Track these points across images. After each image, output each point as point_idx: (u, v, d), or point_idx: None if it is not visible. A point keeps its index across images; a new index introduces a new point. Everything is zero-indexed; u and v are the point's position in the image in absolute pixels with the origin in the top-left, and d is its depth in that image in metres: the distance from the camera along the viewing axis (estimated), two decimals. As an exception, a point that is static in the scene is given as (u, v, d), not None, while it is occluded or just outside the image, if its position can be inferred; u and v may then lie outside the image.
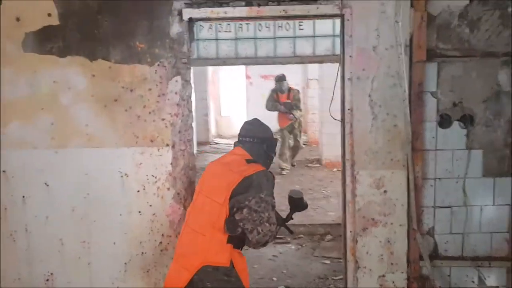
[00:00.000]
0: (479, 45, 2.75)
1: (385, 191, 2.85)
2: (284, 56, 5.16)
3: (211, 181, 2.47)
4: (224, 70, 13.13)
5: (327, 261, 4.80)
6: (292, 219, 2.63)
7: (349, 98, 2.82)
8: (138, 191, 2.94)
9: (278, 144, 6.51)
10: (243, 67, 12.83)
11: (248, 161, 2.46)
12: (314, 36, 5.14)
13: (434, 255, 2.93)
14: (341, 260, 4.79)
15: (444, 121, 2.82)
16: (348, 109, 2.83)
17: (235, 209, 2.32)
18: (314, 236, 5.34)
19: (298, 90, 8.82)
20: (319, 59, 5.27)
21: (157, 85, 2.83)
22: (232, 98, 13.34)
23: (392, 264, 2.90)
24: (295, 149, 9.00)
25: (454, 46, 2.77)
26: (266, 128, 2.62)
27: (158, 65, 2.81)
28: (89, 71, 2.81)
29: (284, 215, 2.60)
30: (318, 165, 9.05)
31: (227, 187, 2.33)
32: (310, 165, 9.10)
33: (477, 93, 2.80)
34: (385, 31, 2.72)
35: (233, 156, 2.52)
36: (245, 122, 2.64)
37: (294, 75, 12.83)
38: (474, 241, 2.92)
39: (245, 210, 2.30)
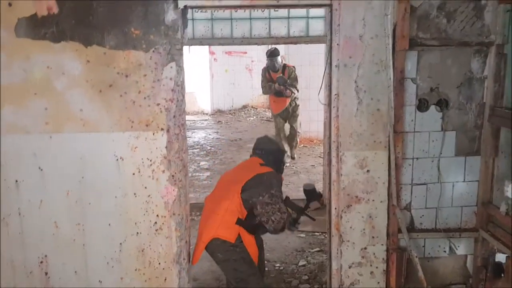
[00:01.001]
0: (455, 35, 2.97)
1: (368, 171, 3.07)
2: (259, 37, 5.29)
3: (230, 176, 3.28)
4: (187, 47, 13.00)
5: (303, 235, 5.06)
6: (310, 207, 3.39)
7: (336, 84, 2.99)
8: (133, 174, 3.02)
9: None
10: (206, 43, 12.75)
11: (261, 164, 3.19)
12: (288, 18, 5.27)
13: (411, 228, 3.20)
14: (316, 233, 5.10)
15: (422, 105, 3.05)
16: (335, 94, 3.00)
17: (250, 201, 3.05)
18: (288, 211, 5.55)
19: (294, 67, 7.56)
20: (294, 40, 5.44)
21: (152, 71, 2.90)
22: (196, 74, 13.28)
23: (373, 237, 3.15)
24: (291, 138, 7.91)
25: (432, 35, 2.97)
26: (273, 142, 3.38)
27: (153, 51, 2.87)
28: (84, 56, 2.84)
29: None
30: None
31: (241, 179, 3.06)
32: (276, 141, 9.31)
33: (452, 79, 3.04)
34: (371, 20, 2.89)
35: (247, 162, 3.35)
36: (257, 138, 3.43)
37: (257, 51, 12.94)
38: (446, 214, 3.21)
39: (259, 206, 3.03)
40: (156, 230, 3.09)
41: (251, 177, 3.08)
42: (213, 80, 13.21)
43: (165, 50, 2.87)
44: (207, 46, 12.92)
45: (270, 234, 3.20)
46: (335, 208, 3.12)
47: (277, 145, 3.40)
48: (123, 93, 2.91)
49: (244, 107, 13.46)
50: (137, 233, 3.09)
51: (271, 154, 3.29)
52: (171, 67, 2.90)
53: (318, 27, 5.37)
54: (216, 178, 6.94)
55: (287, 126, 7.84)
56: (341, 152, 3.05)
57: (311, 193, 3.34)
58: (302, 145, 8.89)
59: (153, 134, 2.98)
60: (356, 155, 3.05)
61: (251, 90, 13.42)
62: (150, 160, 3.01)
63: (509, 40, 2.89)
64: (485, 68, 3.01)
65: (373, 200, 3.10)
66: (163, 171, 3.03)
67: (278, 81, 7.26)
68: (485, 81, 3.02)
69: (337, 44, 2.95)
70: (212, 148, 9.12)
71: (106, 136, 2.96)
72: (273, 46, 6.89)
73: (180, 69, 2.94)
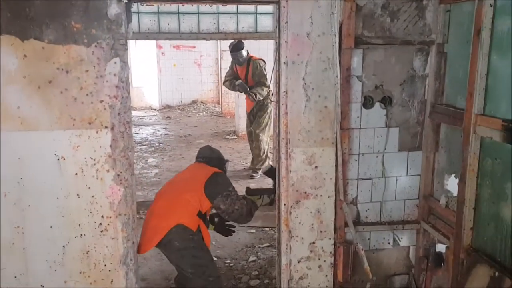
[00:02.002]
0: (398, 34, 3.05)
1: (316, 167, 3.10)
2: (208, 32, 5.23)
3: (184, 174, 3.45)
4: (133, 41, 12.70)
5: (253, 230, 5.07)
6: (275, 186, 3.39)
7: (284, 81, 3.00)
8: (76, 174, 2.91)
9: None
10: (153, 36, 12.49)
11: (210, 165, 3.40)
12: (237, 13, 5.25)
13: (357, 221, 3.27)
14: (266, 229, 5.13)
15: (367, 102, 3.11)
16: (284, 92, 3.01)
17: (213, 202, 3.23)
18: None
19: (262, 61, 6.48)
20: (243, 36, 5.43)
21: (94, 66, 2.79)
22: (143, 69, 13.01)
23: (321, 232, 3.20)
24: (254, 147, 6.65)
25: (377, 34, 3.04)
26: (214, 151, 3.60)
27: (96, 46, 2.77)
28: (21, 51, 2.69)
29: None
30: (235, 136, 9.27)
31: (202, 177, 3.23)
32: (227, 137, 9.29)
33: (395, 77, 3.12)
34: (318, 18, 2.92)
35: (196, 166, 3.49)
36: (200, 148, 3.66)
37: (206, 46, 12.83)
38: (390, 207, 3.30)
39: (221, 204, 3.23)
40: (101, 232, 2.99)
41: (210, 175, 3.26)
42: (161, 74, 13.00)
43: (108, 45, 2.77)
44: (154, 40, 12.69)
45: (240, 223, 3.46)
46: (284, 204, 3.14)
47: (218, 153, 3.62)
48: (64, 90, 2.79)
49: (194, 102, 13.33)
50: (81, 235, 2.98)
51: (212, 161, 3.48)
52: (115, 62, 2.81)
53: (267, 23, 5.38)
54: (165, 175, 6.84)
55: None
56: (290, 149, 3.06)
57: (272, 173, 3.43)
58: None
59: (97, 132, 2.88)
60: (305, 151, 3.07)
61: (200, 85, 13.32)
62: (94, 159, 2.91)
63: (448, 39, 3.00)
64: (427, 66, 3.11)
65: (321, 196, 3.14)
66: (108, 171, 2.93)
67: (240, 87, 6.45)
68: (427, 79, 3.13)
69: (285, 42, 2.96)
70: (161, 144, 8.97)
71: (46, 134, 2.83)
72: (236, 39, 6.13)
73: (124, 64, 2.85)
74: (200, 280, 3.21)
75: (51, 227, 2.94)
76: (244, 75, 6.50)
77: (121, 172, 2.95)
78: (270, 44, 8.53)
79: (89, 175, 2.92)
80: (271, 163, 6.25)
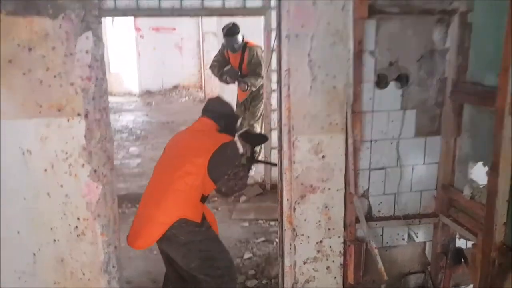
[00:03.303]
0: (416, 1, 2.66)
1: (323, 156, 2.72)
2: (191, 9, 4.78)
3: (189, 144, 2.82)
4: (110, 21, 12.10)
5: (246, 224, 4.70)
6: (256, 152, 3.38)
7: (286, 58, 2.59)
8: (45, 170, 2.47)
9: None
10: (131, 18, 11.91)
11: (218, 131, 2.87)
12: (224, -13, 4.79)
13: (368, 216, 2.92)
14: (260, 221, 4.75)
15: (381, 81, 2.73)
16: (286, 70, 2.60)
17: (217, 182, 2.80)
18: (228, 199, 5.18)
19: (259, 49, 5.55)
20: (229, 12, 4.98)
21: (62, 42, 2.34)
22: (121, 53, 12.42)
23: (329, 229, 2.83)
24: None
25: (392, 1, 2.64)
26: (225, 105, 3.03)
27: (63, 18, 2.31)
28: (-28, 24, 2.23)
29: None
30: (220, 123, 8.82)
31: (207, 150, 2.69)
32: (212, 123, 8.84)
33: (412, 52, 2.74)
34: (326, -17, 2.51)
35: (201, 125, 2.90)
36: (208, 99, 3.11)
37: (187, 28, 12.31)
38: (405, 200, 2.95)
39: (224, 187, 2.89)
40: (77, 236, 2.57)
41: (218, 147, 2.74)
42: (140, 58, 12.42)
43: (78, 16, 2.32)
44: (132, 22, 12.10)
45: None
46: (288, 199, 2.76)
47: (229, 109, 3.06)
48: (27, 71, 2.34)
49: (175, 87, 12.81)
50: (54, 240, 2.55)
51: (223, 118, 2.95)
52: (87, 37, 2.36)
53: (256, -3, 4.96)
54: (148, 165, 6.40)
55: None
56: (293, 137, 2.67)
57: (248, 136, 3.24)
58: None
59: (68, 120, 2.44)
60: (311, 139, 2.68)
61: (181, 69, 12.79)
62: (66, 153, 2.48)
63: (474, 7, 2.61)
64: (447, 39, 2.73)
65: (329, 189, 2.77)
66: (83, 165, 2.50)
67: (229, 74, 5.67)
68: (447, 54, 2.75)
69: (287, 11, 2.54)
70: (142, 132, 8.49)
71: (7, 124, 2.38)
72: (231, 22, 5.51)
73: (98, 40, 2.41)
74: (203, 276, 2.82)
75: (18, 232, 2.52)
76: (238, 63, 5.67)
77: (98, 167, 2.53)
78: (258, 23, 8.07)
79: (60, 171, 2.49)
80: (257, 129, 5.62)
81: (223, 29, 5.60)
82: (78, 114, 2.44)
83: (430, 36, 2.73)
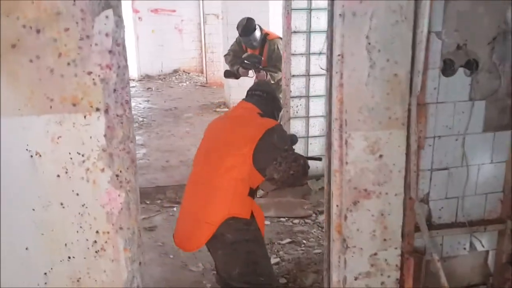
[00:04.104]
0: (490, -27, 2.26)
1: (380, 156, 2.34)
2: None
3: (230, 134, 2.56)
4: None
5: (267, 222, 4.32)
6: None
7: (339, 41, 2.19)
8: (58, 175, 2.08)
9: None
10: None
11: (260, 115, 2.63)
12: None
13: (428, 223, 2.55)
14: (282, 219, 4.39)
15: (447, 68, 2.34)
16: (339, 55, 2.20)
17: (265, 171, 2.49)
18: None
19: (279, 40, 4.99)
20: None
21: (77, 23, 1.93)
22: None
23: (385, 240, 2.46)
24: None
25: (462, -26, 2.24)
26: (269, 86, 2.94)
27: (78, -8, 1.90)
28: (-34, 1, 1.81)
29: None
30: (226, 109, 8.42)
31: (251, 139, 2.45)
32: (217, 109, 8.43)
33: (483, 33, 2.35)
34: (390, -50, 2.10)
35: (242, 109, 2.68)
36: (254, 83, 3.11)
37: (189, 9, 11.82)
38: (469, 204, 2.59)
39: (275, 174, 2.49)
40: (96, 252, 2.19)
41: (263, 133, 2.48)
42: (139, 42, 11.90)
43: (96, -10, 1.91)
44: (130, 3, 11.56)
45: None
46: (337, 206, 2.38)
47: (274, 93, 2.89)
48: (35, 58, 1.93)
49: (175, 71, 12.32)
50: (69, 257, 2.17)
51: (267, 99, 2.76)
52: (107, 16, 1.95)
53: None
54: (154, 156, 6.02)
55: None
56: (346, 133, 2.28)
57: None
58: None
59: (85, 117, 2.04)
60: (367, 136, 2.30)
61: (182, 53, 12.29)
62: (83, 155, 2.08)
63: (562, -20, 2.22)
64: (525, 18, 2.34)
65: (386, 194, 2.39)
66: (103, 170, 2.11)
67: (248, 60, 4.92)
68: (524, 36, 2.36)
69: (342, -15, 2.13)
70: (145, 119, 8.06)
71: (12, 122, 1.99)
72: (244, 18, 5.01)
73: (119, 20, 2.00)
74: (243, 284, 2.55)
75: (26, 248, 2.13)
76: None
77: (120, 171, 2.14)
78: (263, 6, 7.63)
79: (76, 177, 2.10)
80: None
81: (237, 28, 5.07)
82: (97, 109, 2.03)
83: (503, 14, 2.34)
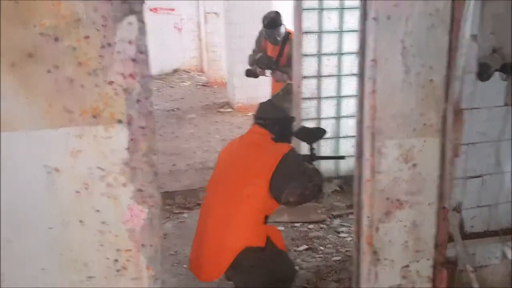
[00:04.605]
0: (529, -28, 2.16)
1: (414, 165, 2.24)
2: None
3: (246, 162, 2.52)
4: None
5: (281, 227, 4.22)
6: (314, 148, 2.84)
7: (373, 45, 2.08)
8: (78, 192, 1.96)
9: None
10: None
11: (273, 139, 2.60)
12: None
13: (460, 233, 2.45)
14: (296, 224, 4.28)
15: (483, 72, 2.24)
16: (372, 60, 2.09)
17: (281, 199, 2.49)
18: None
19: None
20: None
21: (98, 30, 1.81)
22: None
23: (417, 251, 2.36)
24: None
25: (499, -26, 2.13)
26: (278, 109, 2.70)
27: (100, -3, 1.78)
28: (-20, 8, 1.68)
29: None
30: (229, 109, 8.30)
31: (267, 167, 2.43)
32: (221, 110, 8.30)
33: (519, 35, 2.24)
34: (427, -51, 1.99)
35: (255, 135, 2.63)
36: (260, 103, 2.75)
37: (189, 7, 11.66)
38: (501, 212, 2.49)
39: (291, 198, 2.50)
40: (117, 271, 2.08)
41: (279, 160, 2.46)
42: (138, 41, 11.71)
43: (119, -5, 1.79)
44: (129, 3, 11.39)
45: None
46: (368, 217, 2.28)
47: (284, 111, 2.77)
48: (53, 67, 1.80)
49: (175, 71, 12.13)
50: (89, 277, 2.06)
51: (277, 124, 2.66)
52: (130, 23, 1.83)
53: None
54: (160, 159, 5.84)
55: None
56: (379, 142, 2.18)
57: (304, 133, 2.87)
58: (251, 113, 7.93)
59: (106, 129, 1.92)
60: (400, 144, 2.19)
61: (182, 52, 12.10)
62: (103, 170, 1.96)
63: None
64: None
65: (419, 204, 2.29)
66: (125, 185, 1.99)
67: (262, 61, 4.88)
68: (562, 38, 2.26)
69: (376, -14, 2.02)
70: (148, 120, 7.90)
71: (27, 136, 1.86)
72: (272, 10, 4.88)
73: (143, 27, 1.88)
74: None
75: (43, 269, 2.01)
76: (277, 55, 4.95)
77: (143, 186, 2.02)
78: (266, 3, 7.45)
79: (96, 193, 1.98)
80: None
81: (263, 20, 4.91)
82: (119, 121, 1.92)
83: (541, 15, 2.23)
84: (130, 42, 1.85)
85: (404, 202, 2.27)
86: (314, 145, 2.87)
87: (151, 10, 11.69)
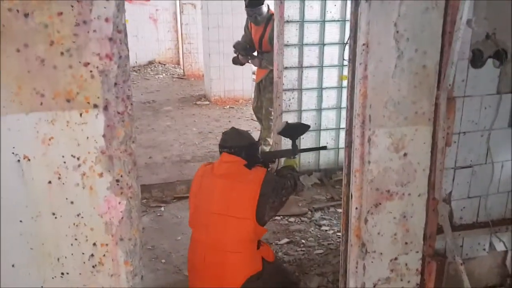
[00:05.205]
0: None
1: (405, 154, 2.16)
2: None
3: (225, 197, 2.48)
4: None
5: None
6: (296, 145, 2.83)
7: (365, 28, 1.98)
8: (50, 182, 1.82)
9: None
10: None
11: (246, 166, 2.56)
12: None
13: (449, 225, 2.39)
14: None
15: (476, 59, 2.17)
16: (363, 44, 2.00)
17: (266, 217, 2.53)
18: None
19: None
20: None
21: (73, 6, 1.66)
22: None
23: (406, 243, 2.29)
24: (264, 119, 5.18)
25: (494, -43, 2.07)
26: (243, 136, 2.67)
27: (74, -30, 1.63)
28: None
29: None
30: (207, 102, 8.14)
31: (250, 200, 2.43)
32: (198, 102, 8.14)
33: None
34: None
35: (227, 164, 2.56)
36: (223, 133, 2.71)
37: (163, -4, 11.40)
38: (490, 203, 2.44)
39: (272, 212, 2.58)
40: (93, 267, 1.94)
41: (259, 191, 2.46)
42: (112, 32, 11.41)
43: (95, -32, 1.64)
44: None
45: None
46: (356, 208, 2.19)
47: (248, 138, 2.72)
48: (22, 46, 1.65)
49: (150, 63, 11.88)
50: (63, 274, 1.92)
51: (243, 151, 2.62)
52: (107, -1, 1.69)
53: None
54: (136, 152, 5.68)
55: None
56: (370, 130, 2.09)
57: (290, 130, 2.81)
58: (228, 106, 7.84)
59: (81, 114, 1.79)
60: (391, 133, 2.11)
61: (157, 43, 11.86)
62: (78, 159, 1.82)
63: None
64: (557, 5, 2.19)
65: (409, 194, 2.22)
66: (101, 174, 1.86)
67: (236, 48, 4.85)
68: (555, 24, 2.21)
69: (369, -34, 1.92)
70: (122, 112, 7.68)
71: (-5, 121, 1.70)
72: None
73: (121, 3, 1.74)
74: None
75: (13, 266, 1.86)
76: (259, 37, 4.83)
77: (121, 176, 1.89)
78: None
79: (70, 184, 1.84)
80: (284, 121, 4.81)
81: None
82: (95, 106, 1.78)
83: (535, 1, 2.18)
84: (107, 20, 1.71)
85: (394, 193, 2.20)
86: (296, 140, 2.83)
87: (126, 0, 11.42)
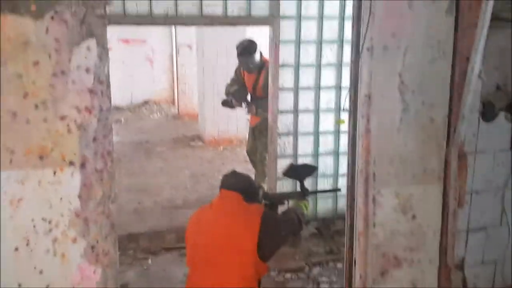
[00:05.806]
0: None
1: (413, 216, 1.97)
2: (188, 16, 4.03)
3: (225, 234, 2.38)
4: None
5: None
6: (305, 187, 2.64)
7: (367, 79, 1.84)
8: (17, 249, 1.62)
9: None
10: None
11: (245, 200, 2.45)
12: (224, -8, 4.07)
13: (463, 293, 2.18)
14: (272, 273, 3.93)
15: (488, 112, 2.02)
16: (365, 96, 1.85)
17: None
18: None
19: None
20: (232, 21, 4.22)
21: (50, 55, 1.51)
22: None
23: (416, 315, 2.07)
24: (258, 164, 5.08)
25: (503, 5, 1.94)
26: (242, 178, 2.59)
27: (52, 18, 1.49)
28: None
29: None
30: (200, 143, 7.98)
31: (251, 235, 2.31)
32: (192, 143, 7.98)
33: (524, 72, 2.05)
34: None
35: (226, 199, 2.47)
36: (224, 175, 2.64)
37: (161, 39, 11.49)
38: (507, 268, 2.23)
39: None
40: None
41: (260, 224, 2.30)
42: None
43: (75, 16, 1.50)
44: (118, 25, 11.14)
45: None
46: (361, 276, 1.99)
47: (248, 180, 2.61)
48: (-8, 98, 1.48)
49: (146, 102, 11.81)
50: None
51: (243, 192, 2.49)
52: (88, 48, 1.54)
53: (261, 5, 4.22)
54: (125, 197, 5.43)
55: None
56: (374, 190, 1.91)
57: (295, 171, 2.68)
58: (222, 147, 7.68)
59: (54, 173, 1.61)
60: (398, 192, 1.93)
61: (152, 84, 11.83)
62: (49, 222, 1.64)
63: None
64: None
65: (419, 261, 2.02)
66: (75, 240, 1.67)
67: (234, 96, 4.78)
68: None
69: (371, 13, 1.79)
70: (114, 154, 7.49)
71: (-44, 181, 1.51)
72: (246, 39, 4.75)
73: (104, 52, 1.59)
74: None
75: None
76: (252, 84, 4.74)
77: (97, 242, 1.70)
78: (240, 34, 7.26)
79: (40, 250, 1.65)
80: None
81: (237, 48, 4.71)
82: (71, 163, 1.60)
83: (547, 51, 2.05)
84: (87, 70, 1.55)
85: (402, 259, 2.00)
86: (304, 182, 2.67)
87: (123, 41, 11.43)
